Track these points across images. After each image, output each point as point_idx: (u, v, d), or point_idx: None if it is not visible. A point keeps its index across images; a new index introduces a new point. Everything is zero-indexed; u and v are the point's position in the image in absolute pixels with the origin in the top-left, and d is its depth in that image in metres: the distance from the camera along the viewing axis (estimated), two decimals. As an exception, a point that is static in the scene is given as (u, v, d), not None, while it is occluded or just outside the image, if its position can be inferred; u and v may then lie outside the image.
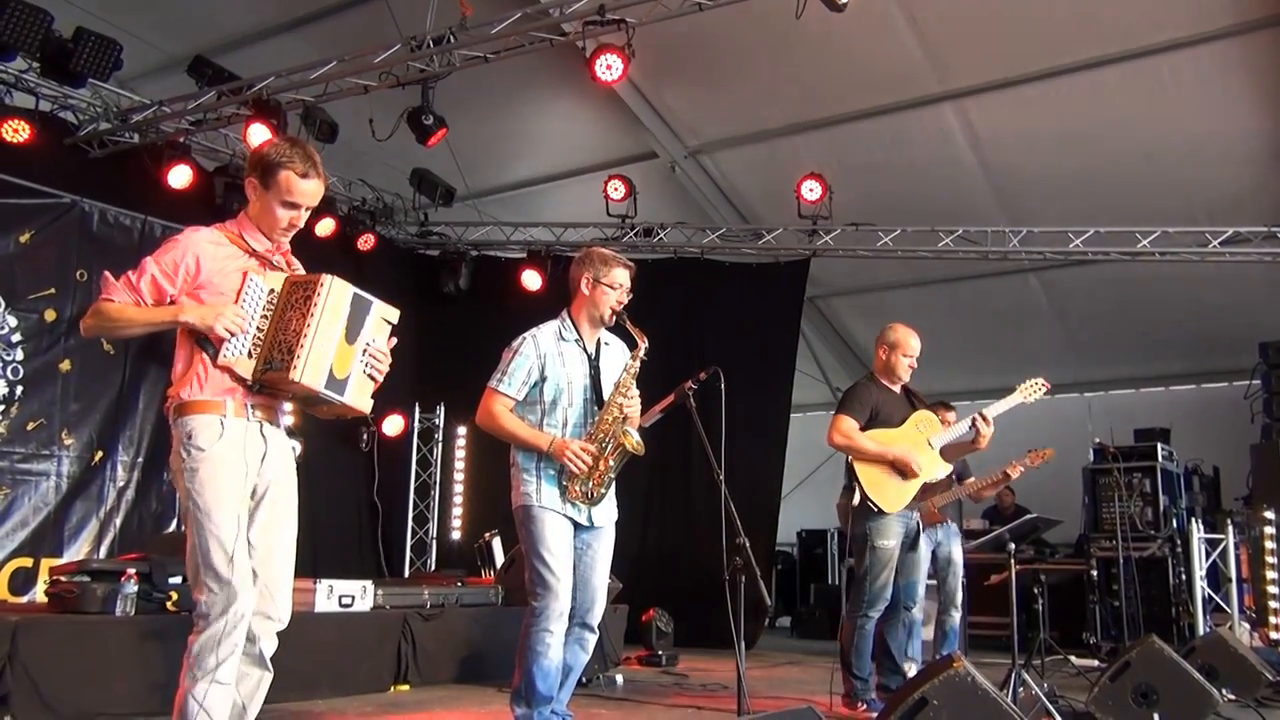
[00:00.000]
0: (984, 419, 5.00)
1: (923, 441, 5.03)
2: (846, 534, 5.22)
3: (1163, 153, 7.78)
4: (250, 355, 2.81)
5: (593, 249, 4.03)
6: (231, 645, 2.69)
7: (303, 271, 3.09)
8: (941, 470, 5.11)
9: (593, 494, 3.75)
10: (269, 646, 2.88)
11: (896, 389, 5.22)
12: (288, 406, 3.06)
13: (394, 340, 3.05)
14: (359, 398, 2.95)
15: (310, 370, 2.78)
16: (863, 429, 5.01)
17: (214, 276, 2.83)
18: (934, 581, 6.64)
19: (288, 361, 2.77)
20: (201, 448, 2.77)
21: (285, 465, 2.97)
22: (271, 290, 2.87)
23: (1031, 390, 5.22)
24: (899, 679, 5.03)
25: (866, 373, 5.42)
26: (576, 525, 3.75)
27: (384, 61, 6.65)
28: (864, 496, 4.94)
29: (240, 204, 3.43)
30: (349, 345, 2.92)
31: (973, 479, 6.23)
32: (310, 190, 2.92)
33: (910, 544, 5.09)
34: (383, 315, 3.02)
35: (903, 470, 4.94)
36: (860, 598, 4.98)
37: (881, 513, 4.93)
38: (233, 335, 2.76)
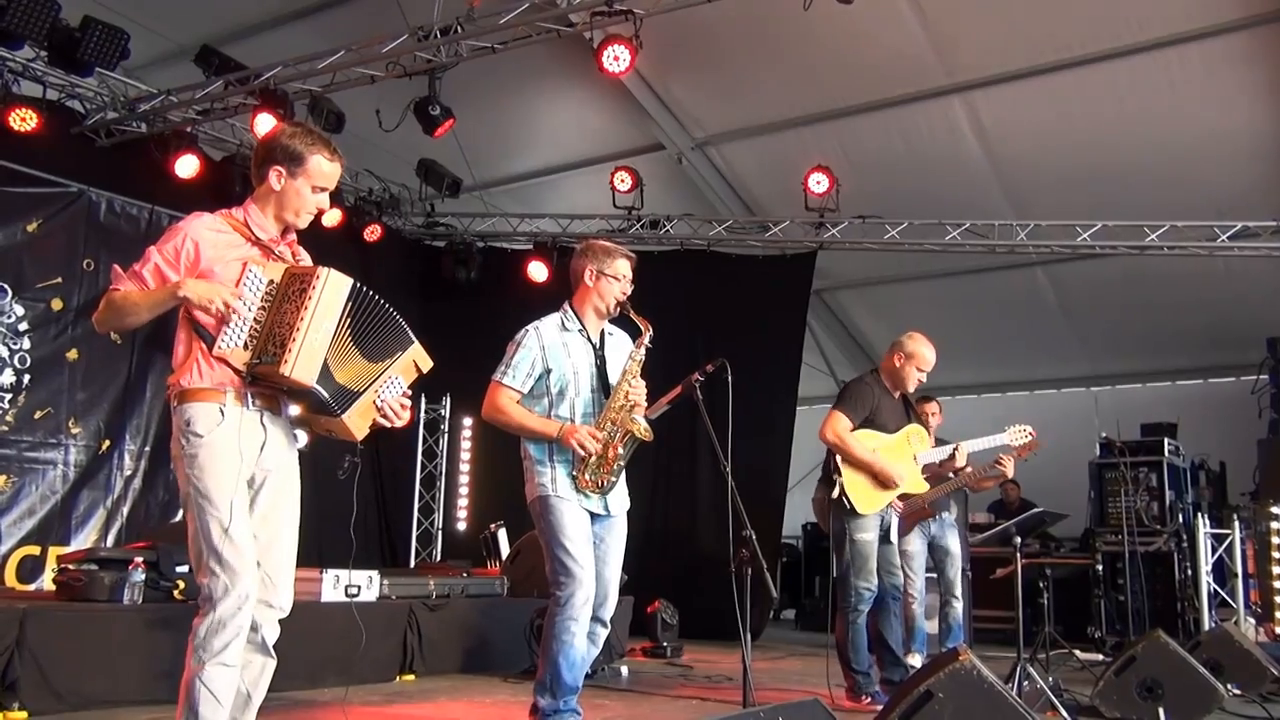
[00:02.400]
0: (961, 454, 5.31)
1: (909, 455, 5.13)
2: (823, 528, 5.28)
3: (1171, 146, 7.74)
4: (246, 347, 2.79)
5: (593, 241, 4.04)
6: (236, 628, 2.70)
7: (309, 262, 3.08)
8: (919, 487, 5.22)
9: (603, 482, 3.76)
10: (271, 634, 2.88)
11: (895, 395, 5.25)
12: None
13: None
14: (357, 421, 2.88)
15: (302, 365, 2.73)
16: (855, 429, 5.05)
17: (214, 264, 2.82)
18: (934, 575, 6.68)
19: (279, 355, 2.73)
20: (200, 434, 2.77)
21: (286, 454, 2.95)
22: (271, 281, 2.84)
23: (1018, 435, 5.49)
24: (901, 670, 5.06)
25: (870, 369, 5.44)
26: (592, 515, 3.77)
27: (391, 51, 6.64)
28: (842, 493, 4.98)
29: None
30: (370, 363, 2.89)
31: (969, 468, 6.25)
32: (337, 173, 3.00)
33: (884, 536, 5.13)
34: (416, 358, 2.99)
35: (884, 482, 5.01)
36: (847, 593, 5.00)
37: (856, 512, 4.97)
38: (226, 318, 2.74)
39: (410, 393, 3.02)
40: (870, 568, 4.98)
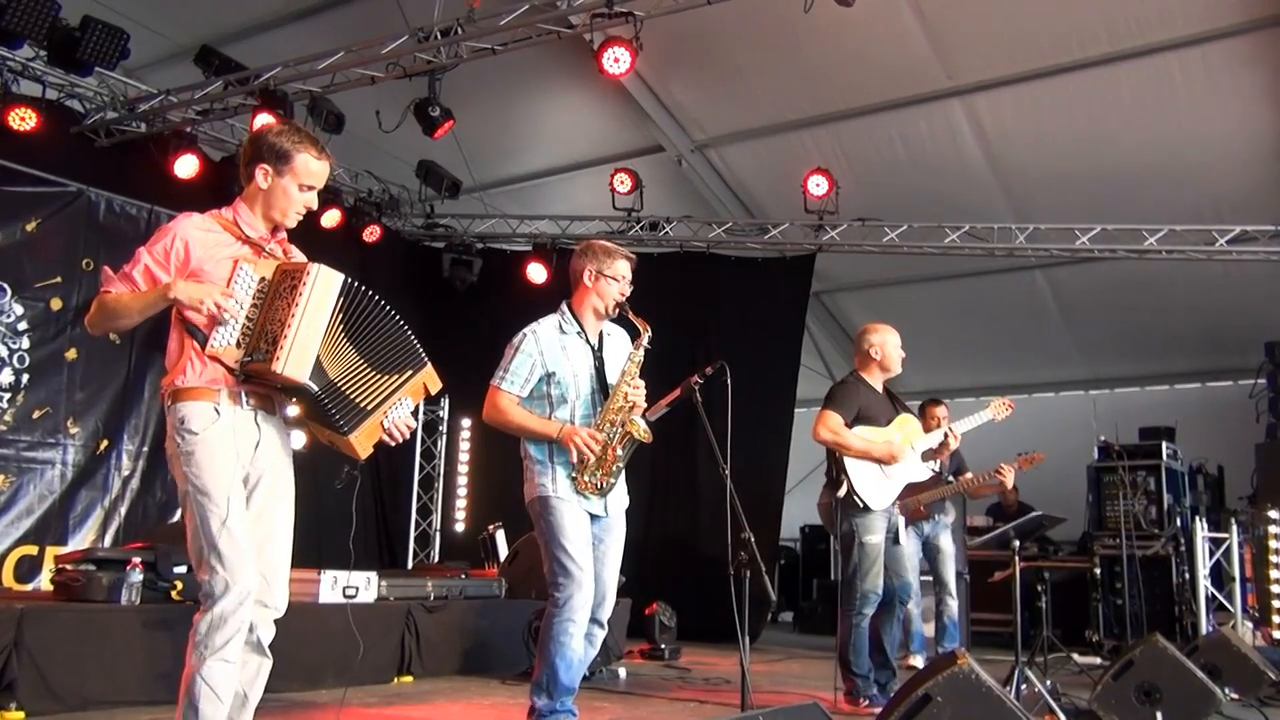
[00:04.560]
0: (954, 435, 5.33)
1: (906, 443, 5.14)
2: (830, 532, 5.26)
3: (1171, 150, 7.75)
4: (238, 345, 2.78)
5: (593, 241, 4.04)
6: (238, 623, 2.70)
7: (301, 259, 3.08)
8: (921, 472, 5.25)
9: (602, 484, 3.76)
10: (266, 634, 2.88)
11: (879, 389, 5.26)
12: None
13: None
14: (364, 441, 2.87)
15: (293, 361, 2.72)
16: (848, 426, 5.05)
17: (204, 263, 2.82)
18: (929, 576, 6.70)
19: (271, 352, 2.72)
20: (195, 431, 2.77)
21: (281, 454, 2.95)
22: (262, 279, 2.83)
23: (999, 409, 5.56)
24: (888, 673, 5.08)
25: (850, 371, 5.46)
26: (591, 516, 3.76)
27: (391, 52, 6.64)
28: (851, 491, 4.96)
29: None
30: (373, 370, 2.88)
31: (969, 474, 6.26)
32: (325, 172, 3.00)
33: (893, 539, 5.13)
34: (427, 380, 2.99)
35: (890, 462, 5.01)
36: (853, 596, 4.98)
37: (867, 509, 4.96)
38: (218, 318, 2.74)
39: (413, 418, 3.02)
40: (878, 570, 4.97)
